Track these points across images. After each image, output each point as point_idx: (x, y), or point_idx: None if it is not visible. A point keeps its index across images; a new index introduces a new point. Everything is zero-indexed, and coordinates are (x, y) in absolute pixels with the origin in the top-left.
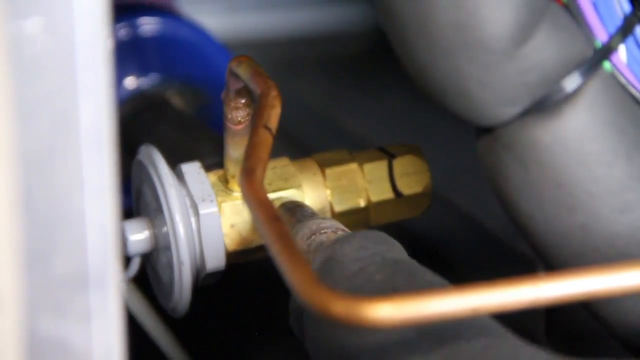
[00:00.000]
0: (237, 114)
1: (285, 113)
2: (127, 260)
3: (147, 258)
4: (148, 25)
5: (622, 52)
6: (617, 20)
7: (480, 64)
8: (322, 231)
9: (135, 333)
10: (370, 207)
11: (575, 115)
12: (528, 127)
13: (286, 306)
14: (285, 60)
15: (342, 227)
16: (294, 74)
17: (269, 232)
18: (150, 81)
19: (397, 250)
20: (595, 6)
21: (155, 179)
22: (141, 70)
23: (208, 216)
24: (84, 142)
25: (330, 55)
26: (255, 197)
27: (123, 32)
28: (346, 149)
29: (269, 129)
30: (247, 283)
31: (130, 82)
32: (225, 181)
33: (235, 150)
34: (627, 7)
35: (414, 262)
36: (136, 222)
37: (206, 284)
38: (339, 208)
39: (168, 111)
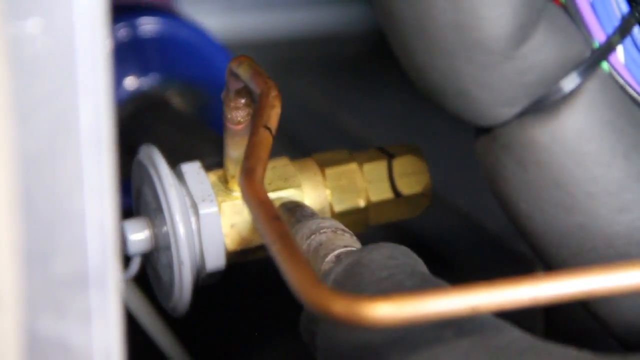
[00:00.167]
0: (237, 114)
1: (285, 113)
2: (127, 260)
3: (147, 258)
4: (148, 25)
5: (619, 53)
6: (615, 20)
7: (479, 64)
8: (321, 231)
9: (135, 333)
10: (370, 207)
11: (574, 115)
12: (526, 128)
13: (286, 306)
14: (285, 60)
15: (342, 226)
16: (294, 74)
17: (269, 231)
18: (150, 81)
19: (423, 267)
20: (593, 7)
21: (155, 178)
22: (141, 70)
23: (208, 216)
24: (84, 142)
25: (330, 56)
26: (255, 197)
27: (123, 32)
28: (346, 149)
29: (268, 129)
30: (247, 283)
31: (131, 82)
32: (225, 181)
33: (235, 150)
34: (624, 8)
35: (440, 280)
36: (136, 221)
37: (206, 283)
38: (338, 208)
39: (168, 111)
